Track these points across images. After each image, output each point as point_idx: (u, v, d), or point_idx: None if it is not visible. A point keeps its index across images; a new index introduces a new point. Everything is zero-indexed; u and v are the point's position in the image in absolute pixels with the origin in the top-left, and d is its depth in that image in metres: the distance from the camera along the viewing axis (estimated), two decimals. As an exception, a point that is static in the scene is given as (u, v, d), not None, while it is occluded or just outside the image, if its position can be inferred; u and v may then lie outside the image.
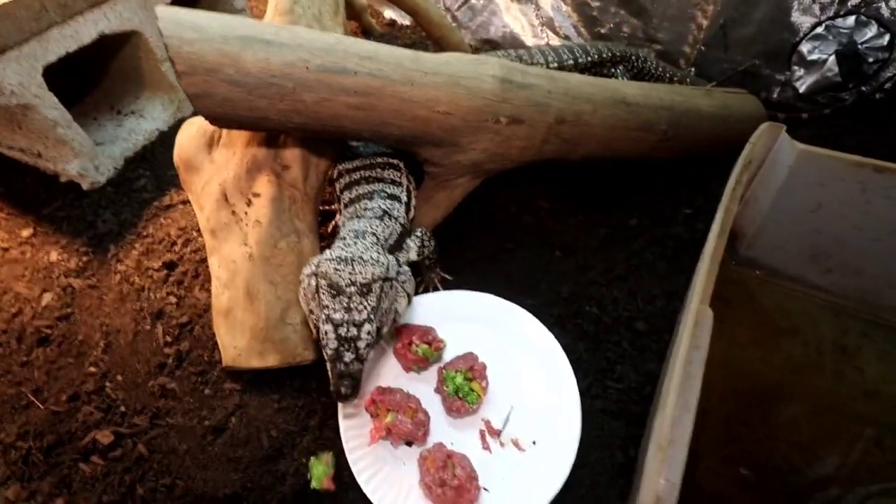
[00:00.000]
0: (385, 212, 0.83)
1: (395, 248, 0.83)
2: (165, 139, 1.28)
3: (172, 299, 0.94)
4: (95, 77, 1.37)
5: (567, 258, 1.04)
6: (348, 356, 0.63)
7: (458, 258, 1.01)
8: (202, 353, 0.86)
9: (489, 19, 1.68)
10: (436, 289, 0.95)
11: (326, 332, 0.64)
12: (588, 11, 1.53)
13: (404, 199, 0.89)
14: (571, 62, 1.25)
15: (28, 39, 0.97)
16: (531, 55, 1.22)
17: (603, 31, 1.53)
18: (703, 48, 1.43)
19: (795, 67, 1.37)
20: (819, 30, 1.31)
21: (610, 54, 1.29)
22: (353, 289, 0.65)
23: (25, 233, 1.08)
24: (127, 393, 0.82)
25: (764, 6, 1.31)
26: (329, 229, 1.01)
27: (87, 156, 1.13)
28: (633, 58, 1.33)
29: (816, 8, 1.28)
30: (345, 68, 0.74)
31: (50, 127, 1.05)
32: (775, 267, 0.94)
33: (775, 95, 1.41)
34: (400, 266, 0.74)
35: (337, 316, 0.64)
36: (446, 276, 0.97)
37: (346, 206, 0.88)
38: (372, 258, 0.69)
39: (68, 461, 0.75)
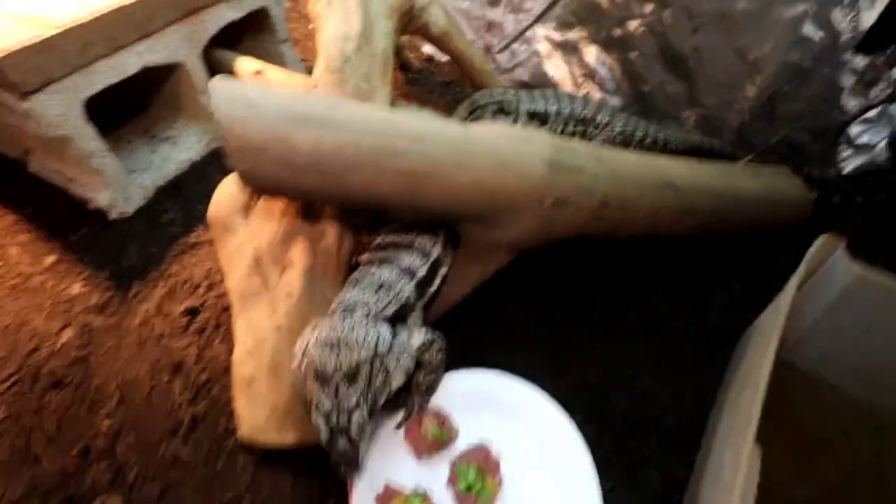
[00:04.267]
0: (382, 285, 0.75)
1: (398, 319, 0.75)
2: (196, 170, 1.26)
3: (192, 350, 0.92)
4: (132, 99, 1.36)
5: (597, 339, 1.00)
6: (342, 443, 0.64)
7: (483, 329, 0.98)
8: (218, 418, 0.83)
9: (529, 65, 1.66)
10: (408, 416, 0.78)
11: (318, 423, 0.64)
12: (632, 68, 1.50)
13: (420, 274, 0.80)
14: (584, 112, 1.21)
15: (71, 73, 0.96)
16: (545, 97, 1.20)
17: (645, 89, 1.50)
18: (747, 118, 1.39)
19: (842, 148, 1.34)
20: (870, 114, 1.28)
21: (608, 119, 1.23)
22: (339, 376, 0.64)
23: (49, 259, 1.07)
24: (139, 455, 0.80)
25: (816, 83, 1.27)
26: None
27: (119, 186, 1.11)
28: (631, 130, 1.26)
29: (871, 92, 1.24)
30: (395, 150, 0.71)
31: (86, 157, 1.04)
32: (814, 376, 0.91)
33: (816, 172, 1.37)
34: (395, 337, 0.71)
35: (326, 406, 0.64)
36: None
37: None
38: (358, 339, 0.66)
39: (74, 526, 0.73)
